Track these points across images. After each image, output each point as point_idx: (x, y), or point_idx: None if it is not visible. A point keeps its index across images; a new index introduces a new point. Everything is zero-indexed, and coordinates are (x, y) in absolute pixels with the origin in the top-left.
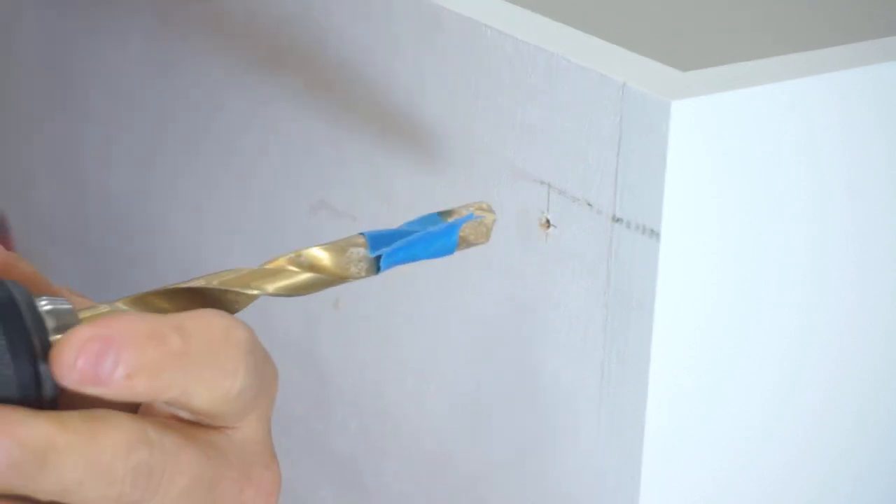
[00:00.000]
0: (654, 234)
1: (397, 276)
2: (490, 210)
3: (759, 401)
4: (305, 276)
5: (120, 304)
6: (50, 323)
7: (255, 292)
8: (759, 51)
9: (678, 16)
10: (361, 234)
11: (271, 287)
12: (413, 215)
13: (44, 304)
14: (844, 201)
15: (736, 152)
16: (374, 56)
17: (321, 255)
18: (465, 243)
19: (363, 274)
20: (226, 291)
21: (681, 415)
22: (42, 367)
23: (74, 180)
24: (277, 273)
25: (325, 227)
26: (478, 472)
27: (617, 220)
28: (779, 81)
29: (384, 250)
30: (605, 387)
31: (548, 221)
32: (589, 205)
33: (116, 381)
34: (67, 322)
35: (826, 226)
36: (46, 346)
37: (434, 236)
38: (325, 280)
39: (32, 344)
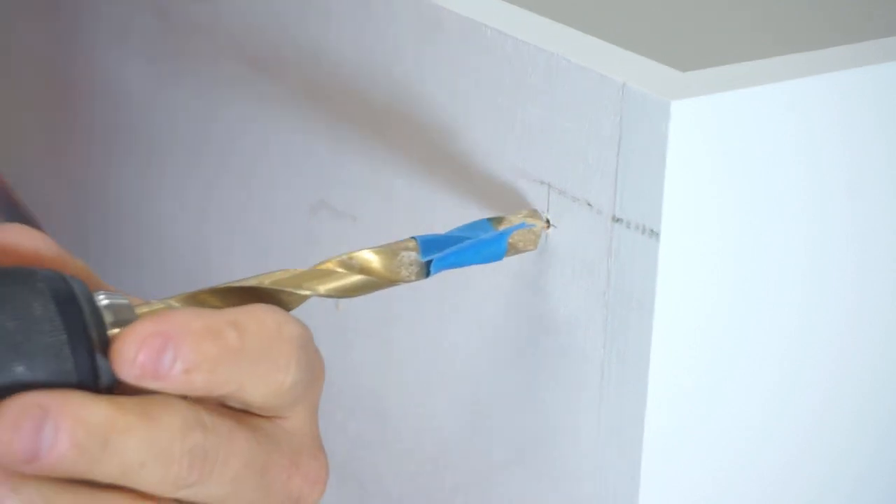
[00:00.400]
0: (654, 234)
1: None
2: (538, 217)
3: (759, 401)
4: (356, 279)
5: (173, 302)
6: (108, 317)
7: (307, 293)
8: (759, 51)
9: (678, 16)
10: (413, 238)
11: (322, 288)
12: (414, 215)
13: (102, 299)
14: (844, 201)
15: (736, 152)
16: (374, 56)
17: (372, 258)
18: (514, 250)
19: (413, 278)
20: (278, 291)
21: (681, 415)
22: (100, 361)
23: (74, 181)
24: (329, 275)
25: (325, 227)
26: (478, 472)
27: (617, 220)
28: (779, 81)
29: (436, 255)
30: (605, 387)
31: (548, 221)
32: (589, 205)
33: (175, 377)
34: (125, 317)
35: (826, 226)
36: (105, 340)
37: (485, 244)
38: (376, 283)
39: (91, 337)
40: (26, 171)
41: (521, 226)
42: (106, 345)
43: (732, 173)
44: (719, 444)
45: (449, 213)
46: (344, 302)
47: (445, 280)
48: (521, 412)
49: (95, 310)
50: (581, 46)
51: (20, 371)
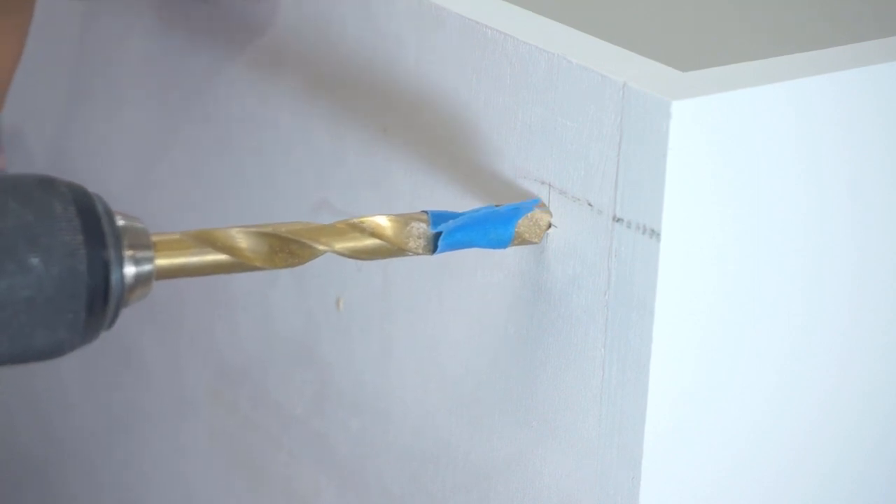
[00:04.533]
0: (655, 234)
1: (398, 275)
2: (547, 210)
3: (760, 401)
4: (369, 241)
5: (182, 237)
6: (125, 238)
7: (323, 248)
8: (759, 51)
9: (678, 16)
10: (425, 211)
11: (338, 245)
12: None
13: (120, 220)
14: (845, 201)
15: (736, 152)
16: (374, 56)
17: (384, 224)
18: (520, 239)
19: (420, 251)
20: (292, 241)
21: (681, 415)
22: (113, 272)
23: (74, 181)
24: (343, 233)
25: None
26: (478, 472)
27: (617, 220)
28: (779, 81)
29: (444, 226)
30: (605, 387)
31: (549, 223)
32: (589, 205)
33: None
34: (140, 240)
35: (827, 226)
36: (119, 255)
37: (493, 224)
38: (387, 249)
39: (107, 245)
40: (24, 169)
41: (534, 202)
42: (120, 259)
43: (733, 173)
44: (720, 444)
45: None
46: (345, 301)
47: (446, 279)
48: (521, 412)
49: (113, 223)
50: (581, 46)
51: (34, 262)
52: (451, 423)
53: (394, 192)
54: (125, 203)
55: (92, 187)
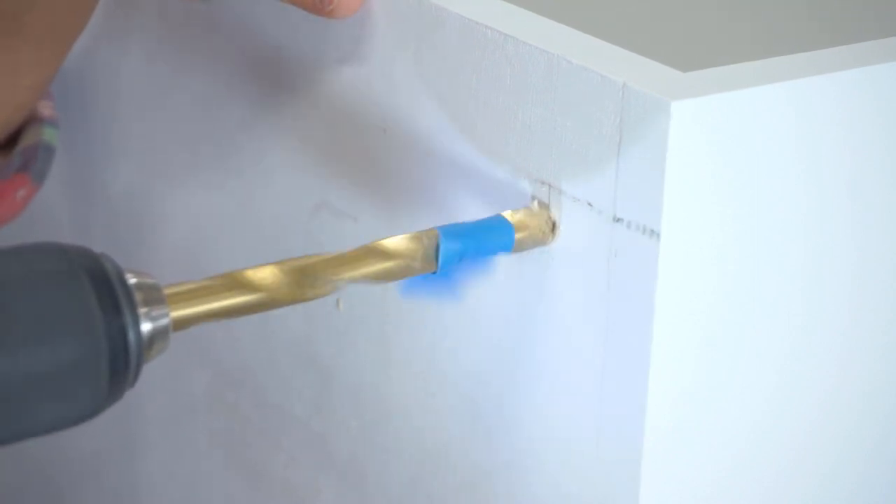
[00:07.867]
0: (654, 234)
1: None
2: (547, 212)
3: (760, 401)
4: (389, 265)
5: (194, 285)
6: (137, 296)
7: (345, 280)
8: (759, 51)
9: (678, 16)
10: (434, 228)
11: (356, 273)
12: (414, 216)
13: (130, 278)
14: (845, 201)
15: (736, 152)
16: (374, 56)
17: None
18: (521, 244)
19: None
20: (304, 275)
21: (681, 415)
22: (131, 337)
23: (75, 181)
24: (361, 260)
25: (325, 227)
26: (478, 473)
27: (617, 220)
28: (779, 81)
29: (450, 245)
30: (605, 387)
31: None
32: (589, 205)
33: None
34: (153, 296)
35: (827, 226)
36: (135, 317)
37: (496, 243)
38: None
39: (123, 314)
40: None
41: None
42: (136, 319)
43: (733, 173)
44: (720, 444)
45: (450, 213)
46: (345, 301)
47: None
48: (521, 412)
49: (125, 284)
50: (581, 47)
51: (55, 343)
52: (450, 423)
53: (393, 193)
54: (125, 205)
55: (91, 188)
